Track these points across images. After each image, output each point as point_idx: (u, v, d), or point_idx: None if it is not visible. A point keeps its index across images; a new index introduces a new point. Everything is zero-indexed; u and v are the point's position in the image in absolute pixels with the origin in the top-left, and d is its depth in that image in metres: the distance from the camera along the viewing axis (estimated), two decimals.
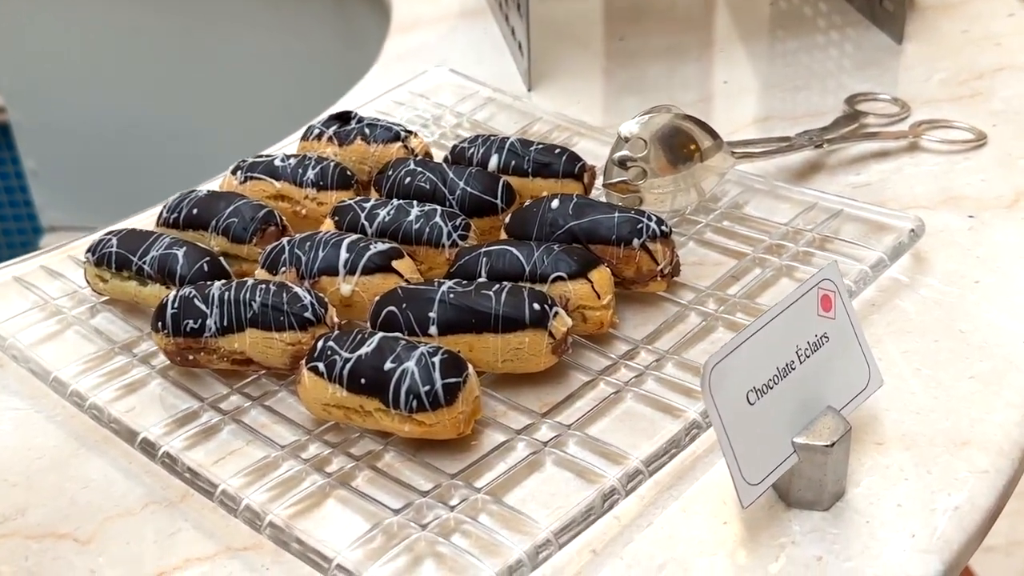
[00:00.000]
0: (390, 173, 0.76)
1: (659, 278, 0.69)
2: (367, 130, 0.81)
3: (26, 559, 0.56)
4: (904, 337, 0.67)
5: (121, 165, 1.84)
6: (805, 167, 0.85)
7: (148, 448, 0.60)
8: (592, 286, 0.65)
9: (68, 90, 1.80)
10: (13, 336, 0.69)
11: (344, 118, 0.83)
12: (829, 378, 0.57)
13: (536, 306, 0.62)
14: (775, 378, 0.54)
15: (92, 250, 0.72)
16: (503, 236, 0.72)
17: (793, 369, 0.55)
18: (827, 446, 0.54)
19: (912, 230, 0.72)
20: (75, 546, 0.57)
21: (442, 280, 0.65)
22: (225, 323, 0.64)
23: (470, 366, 0.60)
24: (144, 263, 0.69)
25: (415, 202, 0.72)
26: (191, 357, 0.65)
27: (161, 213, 0.75)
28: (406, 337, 0.61)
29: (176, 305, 0.65)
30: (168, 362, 0.66)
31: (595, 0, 1.18)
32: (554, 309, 0.63)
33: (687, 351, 0.66)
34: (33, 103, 1.84)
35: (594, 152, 0.86)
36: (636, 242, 0.68)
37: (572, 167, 0.77)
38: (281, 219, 0.73)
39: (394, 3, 1.18)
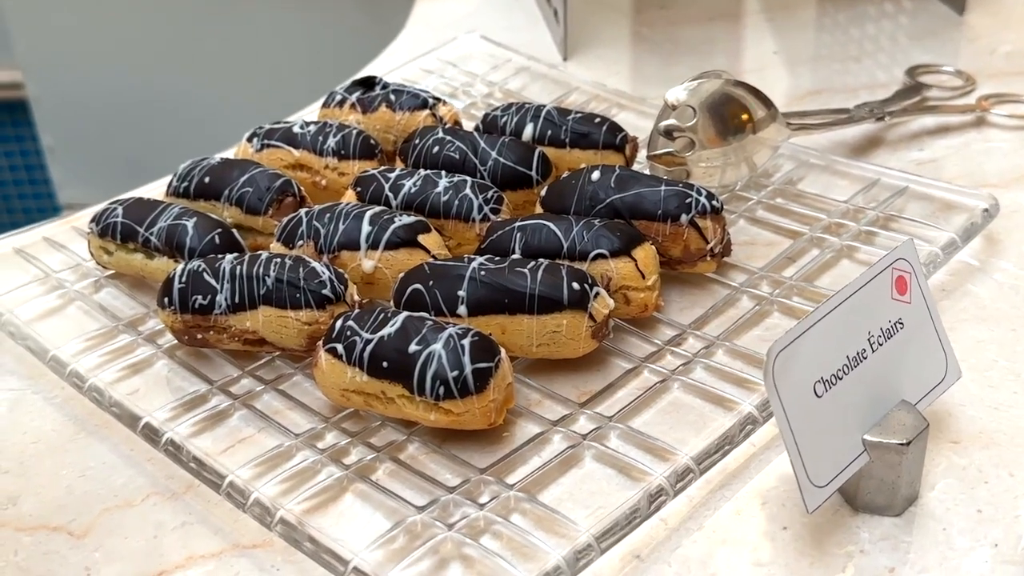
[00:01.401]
0: (417, 142, 0.71)
1: (709, 258, 0.63)
2: (392, 97, 0.76)
3: (16, 553, 0.51)
4: (979, 325, 0.61)
5: (140, 143, 1.80)
6: (864, 141, 0.79)
7: (151, 435, 0.55)
8: (636, 265, 0.60)
9: (87, 66, 1.76)
10: (10, 311, 0.64)
11: (368, 84, 0.77)
12: (903, 369, 0.51)
13: (575, 285, 0.57)
14: (845, 368, 0.49)
15: (96, 220, 0.67)
16: (538, 210, 0.66)
17: (865, 358, 0.49)
18: (902, 445, 0.48)
19: (986, 209, 0.66)
20: (69, 540, 0.52)
21: (473, 256, 0.59)
22: (236, 300, 0.59)
23: (502, 350, 0.55)
24: (151, 234, 0.64)
25: (443, 173, 0.67)
26: (199, 336, 0.60)
27: (171, 182, 0.70)
28: (433, 317, 0.55)
29: (184, 279, 0.59)
30: (175, 341, 0.61)
31: None
32: (595, 289, 0.57)
33: (739, 337, 0.60)
34: (52, 79, 1.80)
35: (634, 125, 0.80)
36: (684, 218, 0.62)
37: (613, 138, 0.71)
38: (299, 189, 0.68)
39: None
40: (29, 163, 2.11)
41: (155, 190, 0.73)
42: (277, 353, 0.61)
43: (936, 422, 0.54)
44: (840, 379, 0.48)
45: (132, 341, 0.62)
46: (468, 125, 0.80)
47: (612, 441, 0.54)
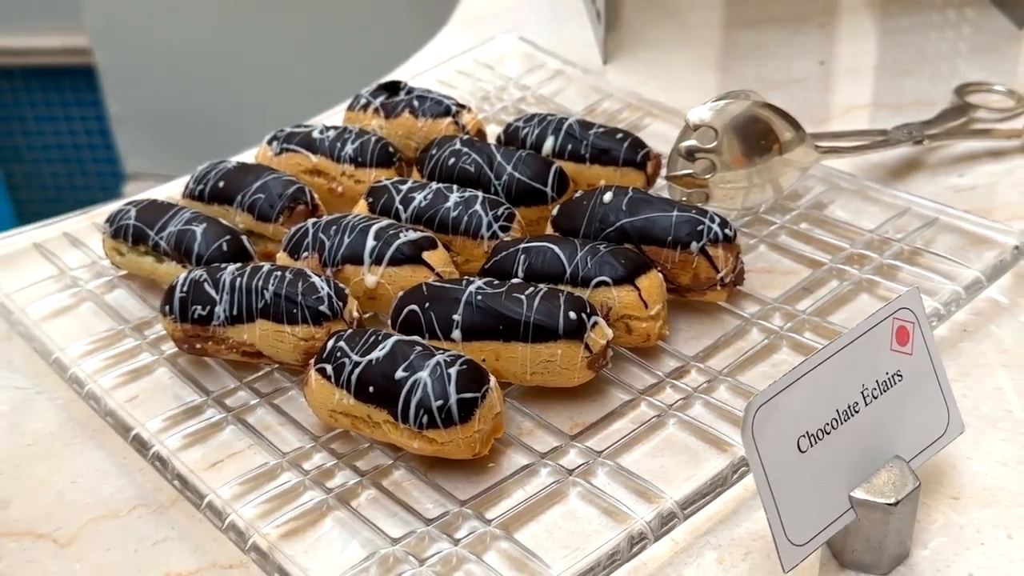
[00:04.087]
0: (434, 152, 0.70)
1: (718, 287, 0.61)
2: (416, 103, 0.75)
3: (0, 559, 0.52)
4: (998, 371, 0.58)
5: (205, 116, 1.82)
6: (902, 164, 0.76)
7: (140, 446, 0.55)
8: (639, 294, 0.58)
9: (155, 35, 1.78)
10: (22, 310, 0.65)
11: (392, 88, 0.76)
12: (899, 422, 0.49)
13: (572, 315, 0.55)
14: (834, 422, 0.47)
15: (110, 220, 0.67)
16: (549, 230, 0.65)
17: (856, 412, 0.47)
18: (891, 504, 0.46)
19: (1016, 247, 0.63)
20: (53, 548, 0.52)
21: (472, 278, 0.58)
22: (235, 312, 0.59)
23: (492, 379, 0.54)
24: (161, 239, 0.65)
25: (455, 187, 0.66)
26: (199, 346, 0.60)
27: (188, 184, 0.70)
28: (425, 342, 0.54)
29: (185, 288, 0.60)
30: (177, 348, 0.61)
31: None
32: (593, 319, 0.56)
33: (744, 373, 0.59)
34: (120, 49, 1.82)
35: (665, 136, 0.78)
36: (695, 245, 0.60)
37: (634, 155, 0.69)
38: (312, 197, 0.67)
39: None
40: (97, 129, 2.14)
41: (177, 188, 0.73)
42: (275, 366, 0.60)
43: (937, 475, 0.52)
44: (827, 433, 0.46)
45: (136, 346, 0.63)
46: (498, 131, 0.78)
47: (599, 478, 0.53)
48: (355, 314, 0.59)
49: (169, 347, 0.62)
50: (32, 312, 0.65)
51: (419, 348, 0.53)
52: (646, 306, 0.58)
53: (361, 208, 0.67)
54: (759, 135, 0.68)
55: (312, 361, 0.56)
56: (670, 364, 0.60)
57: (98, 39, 1.84)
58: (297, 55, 1.70)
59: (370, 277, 0.61)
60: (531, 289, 0.57)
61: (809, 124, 0.79)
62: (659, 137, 0.79)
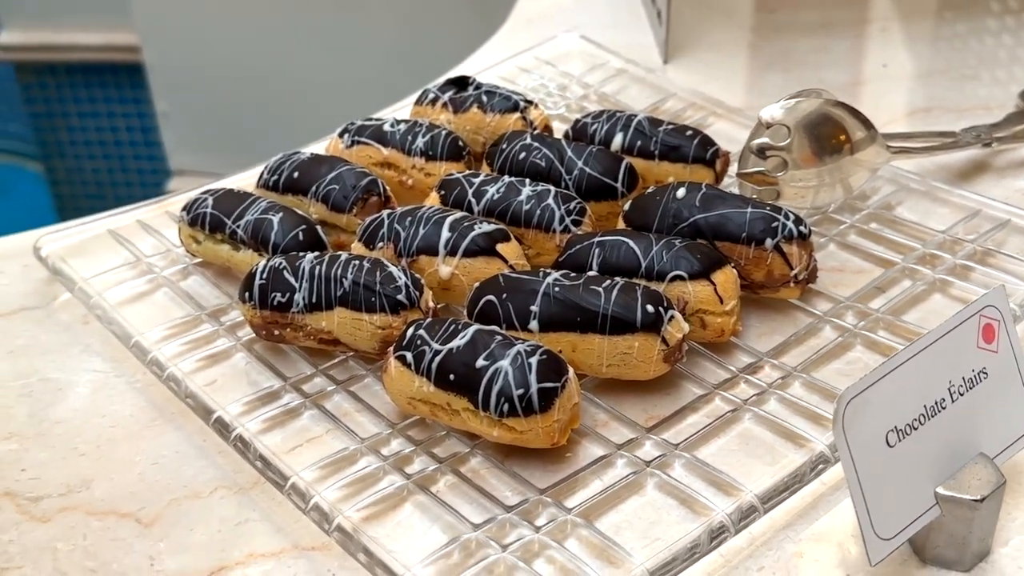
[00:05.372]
0: (504, 147, 0.70)
1: (792, 284, 0.62)
2: (484, 98, 0.76)
3: (84, 537, 0.53)
4: None
5: (251, 116, 1.83)
6: (969, 167, 0.76)
7: (222, 429, 0.56)
8: (715, 289, 0.59)
9: (203, 36, 1.79)
10: (99, 294, 0.66)
11: (461, 83, 0.77)
12: (984, 420, 0.49)
13: (650, 308, 0.56)
14: (921, 417, 0.47)
15: (188, 208, 0.68)
16: (621, 224, 0.65)
17: (943, 408, 0.47)
18: (976, 501, 0.46)
19: None
20: (137, 528, 0.53)
21: (548, 270, 0.59)
22: (314, 299, 0.59)
23: (571, 369, 0.54)
24: (238, 227, 0.65)
25: (528, 180, 0.66)
26: (277, 332, 0.61)
27: (262, 174, 0.71)
28: (504, 332, 0.55)
29: (265, 276, 0.60)
30: (254, 334, 0.62)
31: None
32: (670, 312, 0.56)
33: (818, 370, 0.59)
34: (168, 44, 1.84)
35: (729, 135, 0.79)
36: (769, 242, 0.61)
37: (704, 152, 0.70)
38: (384, 189, 0.68)
39: None
40: (139, 126, 2.16)
41: (251, 178, 0.74)
42: (351, 354, 0.61)
43: (1018, 474, 0.52)
44: (915, 429, 0.47)
45: (213, 331, 0.64)
46: (561, 128, 0.79)
47: (676, 470, 0.53)
48: (431, 304, 0.60)
49: (246, 333, 0.63)
50: (109, 297, 0.66)
51: (499, 337, 0.54)
52: (721, 301, 0.59)
53: (433, 200, 0.67)
54: (830, 134, 0.68)
55: (391, 349, 0.56)
56: (743, 360, 0.60)
57: (147, 37, 1.86)
58: (348, 55, 1.71)
59: (444, 268, 0.62)
60: (608, 282, 0.57)
61: (876, 125, 0.79)
62: (723, 136, 0.79)
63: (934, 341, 0.47)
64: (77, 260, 0.70)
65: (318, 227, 0.66)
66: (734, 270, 0.60)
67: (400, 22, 1.64)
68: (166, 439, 0.58)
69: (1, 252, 0.73)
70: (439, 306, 0.62)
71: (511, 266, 0.62)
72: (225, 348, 0.63)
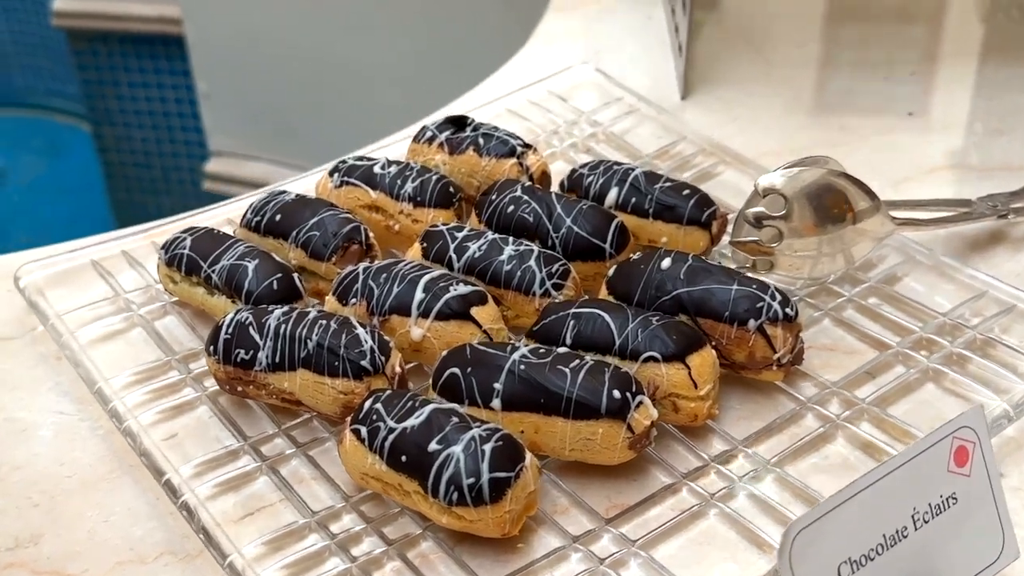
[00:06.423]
0: (494, 197, 0.68)
1: (775, 367, 0.59)
2: (481, 140, 0.73)
3: None
4: None
5: (292, 100, 1.82)
6: (985, 236, 0.73)
7: (171, 492, 0.55)
8: (689, 373, 0.56)
9: (247, 16, 1.78)
10: (71, 333, 0.65)
11: (459, 123, 0.75)
12: (949, 547, 0.46)
13: (616, 394, 0.54)
14: (879, 547, 0.44)
15: (166, 247, 0.67)
16: (604, 291, 0.63)
17: (904, 537, 0.45)
18: None
19: None
20: None
21: (517, 344, 0.57)
22: (277, 359, 0.58)
23: (528, 456, 0.52)
24: (213, 272, 0.64)
25: (511, 238, 0.64)
26: (240, 388, 0.60)
27: (245, 213, 0.69)
28: (463, 412, 0.53)
29: (230, 331, 0.59)
30: None
31: None
32: (637, 399, 0.54)
33: (794, 463, 0.56)
34: (212, 24, 1.83)
35: (737, 187, 0.76)
36: (752, 323, 0.58)
37: (699, 213, 0.67)
38: (367, 237, 0.66)
39: None
40: (187, 99, 2.15)
41: (239, 209, 0.72)
42: (315, 413, 0.60)
43: None
44: (871, 560, 0.44)
45: (181, 380, 0.63)
46: (564, 168, 0.77)
47: (631, 570, 0.51)
48: (397, 369, 0.58)
49: (212, 383, 0.62)
50: (82, 335, 0.65)
51: (455, 419, 0.52)
52: (695, 386, 0.56)
53: (415, 253, 0.65)
54: (832, 203, 0.65)
55: (348, 420, 0.55)
56: (717, 447, 0.57)
57: (190, 14, 1.85)
58: (390, 51, 1.68)
59: (416, 330, 0.60)
60: (576, 361, 0.55)
61: (889, 183, 0.76)
62: (730, 187, 0.76)
63: (900, 465, 0.45)
64: (56, 291, 0.69)
65: (295, 275, 0.64)
66: (713, 352, 0.58)
67: (449, 18, 1.61)
68: (121, 494, 0.57)
69: None
70: (410, 366, 0.61)
71: (485, 331, 0.60)
72: (190, 399, 0.62)
